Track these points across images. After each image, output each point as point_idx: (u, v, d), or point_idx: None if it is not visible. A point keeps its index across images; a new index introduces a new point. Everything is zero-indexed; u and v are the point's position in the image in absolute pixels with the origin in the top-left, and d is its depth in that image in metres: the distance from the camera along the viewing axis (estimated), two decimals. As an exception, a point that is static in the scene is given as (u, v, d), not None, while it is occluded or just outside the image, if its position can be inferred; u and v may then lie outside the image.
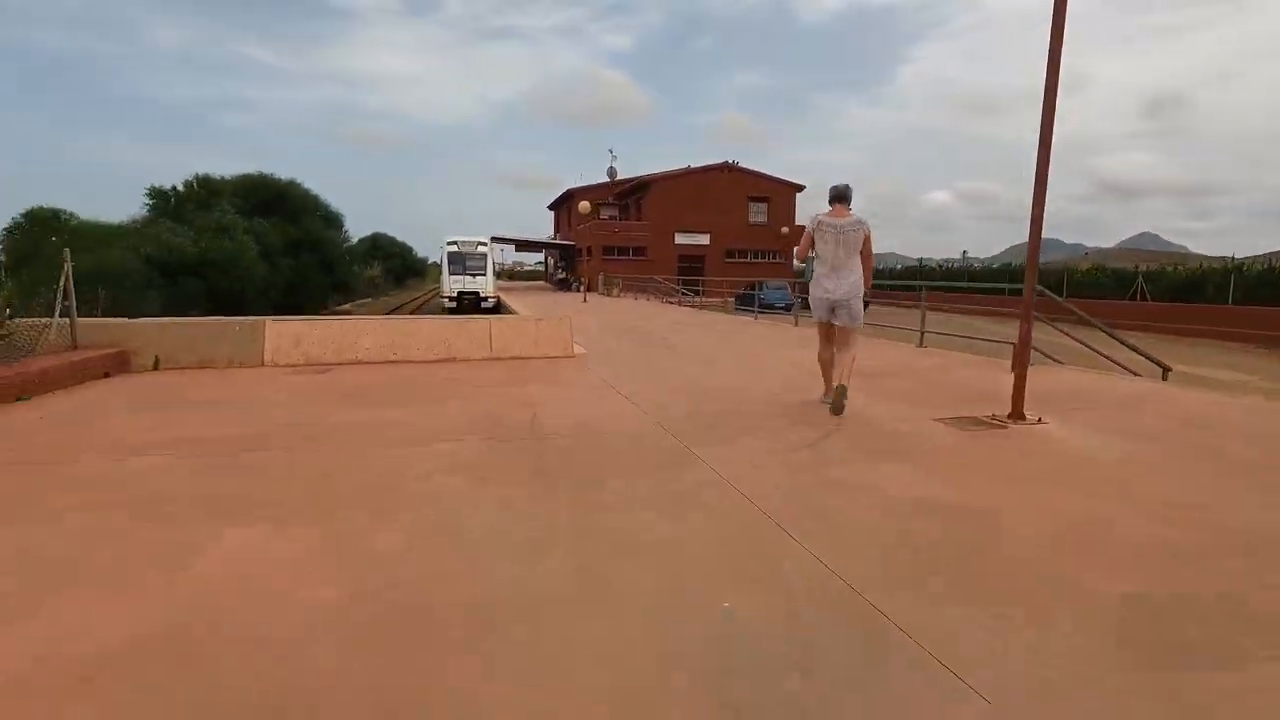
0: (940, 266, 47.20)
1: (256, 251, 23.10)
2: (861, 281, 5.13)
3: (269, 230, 24.70)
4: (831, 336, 5.32)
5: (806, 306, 6.33)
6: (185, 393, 5.92)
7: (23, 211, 22.28)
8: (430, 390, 6.05)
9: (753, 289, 30.53)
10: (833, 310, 5.18)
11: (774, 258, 38.63)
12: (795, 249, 5.61)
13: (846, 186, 5.18)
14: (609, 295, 29.88)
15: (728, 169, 37.64)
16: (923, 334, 9.73)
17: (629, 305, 23.41)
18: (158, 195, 23.88)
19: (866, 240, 5.10)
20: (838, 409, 4.91)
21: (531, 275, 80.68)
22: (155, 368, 7.06)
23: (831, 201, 5.19)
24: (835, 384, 5.09)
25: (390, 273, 73.31)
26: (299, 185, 29.48)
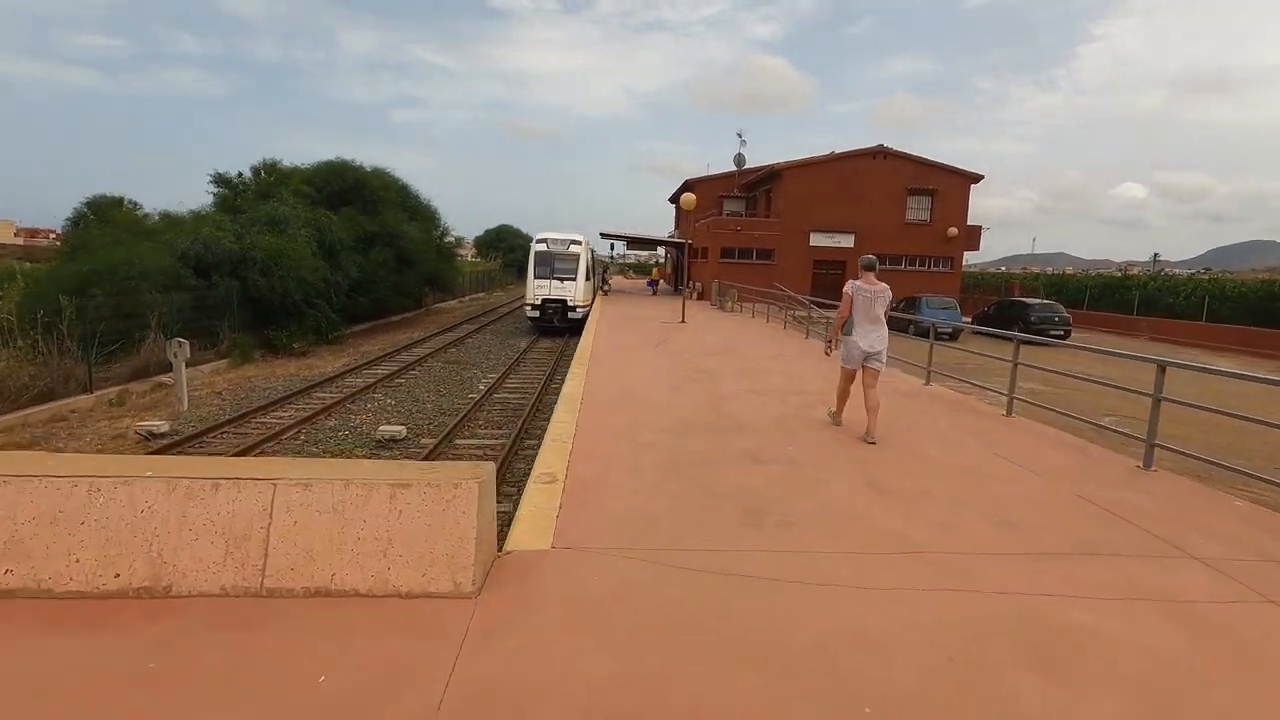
0: (1146, 282, 36.75)
1: (315, 247, 20.07)
2: (887, 336, 6.37)
3: (335, 223, 21.73)
4: (853, 380, 6.50)
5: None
6: None
7: (85, 199, 20.74)
8: None
9: (908, 307, 23.87)
10: (866, 359, 6.30)
11: (937, 265, 31.18)
12: (838, 312, 6.63)
13: (875, 258, 6.53)
14: (723, 309, 24.52)
15: (881, 155, 30.73)
16: None
17: (739, 329, 17.97)
18: (223, 183, 21.63)
19: (889, 302, 6.37)
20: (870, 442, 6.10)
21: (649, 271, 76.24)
22: None
23: (863, 271, 6.41)
24: (866, 434, 6.16)
25: (512, 265, 72.10)
26: (384, 173, 26.59)
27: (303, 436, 9.88)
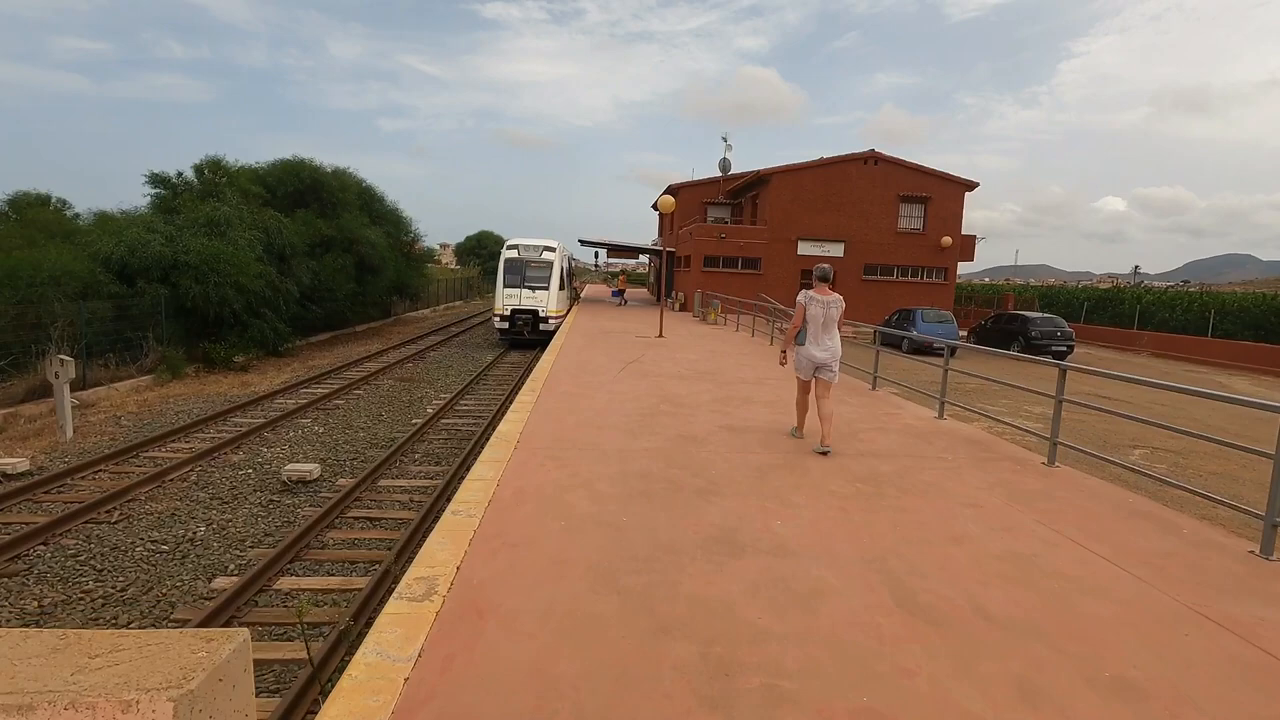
0: (1141, 295, 35.79)
1: (261, 251, 18.36)
2: (840, 347, 6.38)
3: (285, 225, 20.00)
4: (808, 390, 6.58)
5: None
6: None
7: (6, 197, 18.90)
8: None
9: (901, 320, 22.50)
10: (817, 369, 6.35)
11: (930, 276, 29.87)
12: (790, 323, 6.58)
13: (830, 269, 6.49)
14: (706, 321, 23.04)
15: (872, 160, 29.44)
16: None
17: (721, 345, 16.49)
18: (160, 183, 19.83)
19: (842, 313, 6.39)
20: (823, 452, 6.05)
21: (641, 279, 75.01)
22: None
23: (817, 281, 6.44)
24: (821, 444, 6.09)
25: (491, 272, 70.42)
26: (344, 174, 24.78)
27: (194, 477, 8.19)
